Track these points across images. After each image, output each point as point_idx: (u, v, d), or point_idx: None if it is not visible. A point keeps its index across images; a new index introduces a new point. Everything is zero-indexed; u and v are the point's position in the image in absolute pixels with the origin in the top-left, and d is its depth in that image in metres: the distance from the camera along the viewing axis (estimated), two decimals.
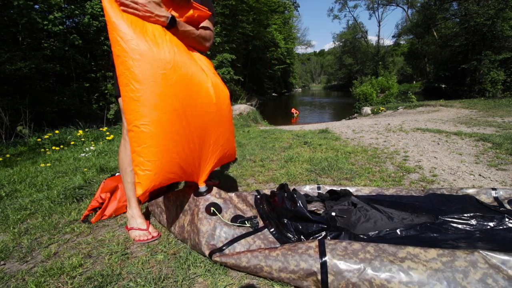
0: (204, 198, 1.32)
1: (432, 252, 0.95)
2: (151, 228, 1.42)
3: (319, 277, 0.96)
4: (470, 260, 0.91)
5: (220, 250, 1.17)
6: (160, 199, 1.52)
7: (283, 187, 1.49)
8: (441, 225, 1.29)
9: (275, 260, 1.04)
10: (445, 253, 0.94)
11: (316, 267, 0.97)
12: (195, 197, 1.35)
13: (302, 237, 1.24)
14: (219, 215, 1.28)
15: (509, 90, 15.64)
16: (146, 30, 1.08)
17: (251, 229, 1.28)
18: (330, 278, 0.95)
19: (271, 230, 1.28)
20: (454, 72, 20.55)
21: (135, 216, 1.43)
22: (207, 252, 1.17)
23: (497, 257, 0.89)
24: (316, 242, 1.04)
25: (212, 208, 1.29)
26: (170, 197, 1.47)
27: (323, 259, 0.98)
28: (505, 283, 0.85)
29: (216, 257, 1.15)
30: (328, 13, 58.15)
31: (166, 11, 1.18)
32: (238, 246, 1.18)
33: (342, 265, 0.96)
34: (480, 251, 0.92)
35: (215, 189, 1.39)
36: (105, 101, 10.66)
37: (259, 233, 1.26)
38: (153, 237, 1.38)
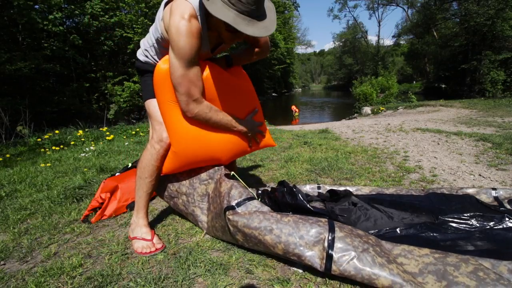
0: (225, 169, 1.42)
1: (426, 250, 1.00)
2: (155, 239, 1.33)
3: (326, 245, 1.00)
4: (462, 258, 0.95)
5: (233, 207, 1.20)
6: (171, 175, 1.47)
7: (282, 183, 1.49)
8: (440, 225, 1.29)
9: (286, 225, 1.08)
10: (438, 251, 0.99)
11: (325, 235, 1.02)
12: (216, 167, 1.42)
13: None
14: (239, 179, 1.37)
15: (509, 90, 15.66)
16: None
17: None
18: (336, 248, 0.99)
19: None
20: (454, 72, 20.56)
21: (140, 225, 1.36)
22: (223, 208, 1.21)
23: (487, 262, 0.93)
24: (326, 218, 1.10)
25: (232, 173, 1.39)
26: (184, 172, 1.45)
27: (331, 231, 1.03)
28: (496, 276, 0.88)
29: (229, 215, 1.17)
30: (328, 13, 57.95)
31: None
32: (250, 206, 1.21)
33: (348, 239, 1.01)
34: (472, 257, 0.96)
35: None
36: (105, 101, 10.67)
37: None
38: (156, 249, 1.29)
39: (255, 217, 1.13)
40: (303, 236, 1.03)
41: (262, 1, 1.08)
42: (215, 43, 1.29)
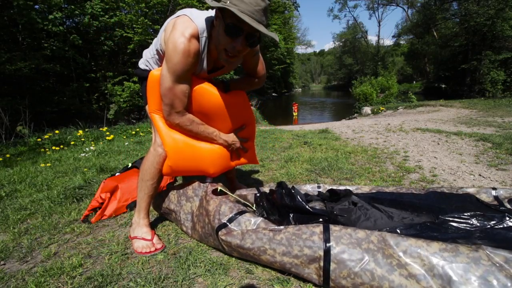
0: (211, 184, 1.40)
1: (434, 246, 0.94)
2: (155, 239, 1.34)
3: (322, 264, 0.97)
4: (473, 257, 0.89)
5: (225, 225, 1.18)
6: (164, 190, 1.52)
7: (280, 184, 1.49)
8: (441, 225, 1.29)
9: (279, 244, 1.05)
10: (448, 248, 0.93)
11: (319, 254, 0.98)
12: (201, 184, 1.41)
13: None
14: (227, 192, 1.35)
15: (509, 90, 15.66)
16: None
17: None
18: (333, 266, 0.96)
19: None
20: (454, 72, 20.56)
21: (141, 225, 1.36)
22: (215, 227, 1.19)
23: (501, 255, 0.88)
24: (321, 228, 1.04)
25: (219, 188, 1.36)
26: (175, 187, 1.49)
27: (327, 245, 0.98)
28: (507, 281, 0.84)
29: (222, 235, 1.16)
30: (328, 13, 57.82)
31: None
32: (243, 220, 1.19)
33: (346, 254, 0.96)
34: (484, 248, 0.91)
35: (220, 183, 1.45)
36: (105, 101, 10.65)
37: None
38: (156, 249, 1.29)
39: (247, 237, 1.10)
40: (297, 255, 1.01)
41: (266, 10, 1.11)
42: (213, 66, 1.31)
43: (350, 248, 0.97)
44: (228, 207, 1.24)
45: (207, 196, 1.31)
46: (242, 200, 1.36)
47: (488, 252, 0.90)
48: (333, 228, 1.03)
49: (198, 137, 1.36)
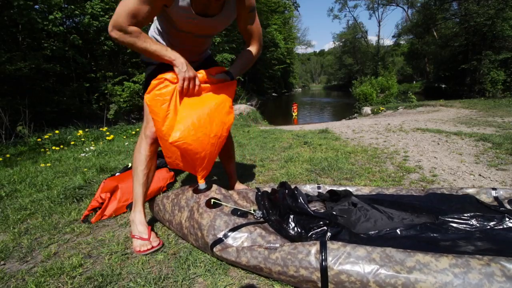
0: (204, 194, 1.36)
1: (444, 262, 0.89)
2: (152, 237, 1.33)
3: (319, 285, 0.95)
4: (486, 273, 0.85)
5: (220, 240, 1.16)
6: (160, 197, 1.52)
7: (283, 184, 1.49)
8: (441, 225, 1.29)
9: (274, 264, 1.03)
10: (458, 263, 0.88)
11: (316, 275, 0.95)
12: (194, 194, 1.38)
13: (302, 231, 1.22)
14: (222, 203, 1.32)
15: (509, 90, 15.67)
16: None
17: (252, 220, 1.28)
18: (331, 286, 0.94)
19: (271, 224, 1.29)
20: (454, 72, 20.54)
21: (136, 222, 1.35)
22: (209, 244, 1.17)
23: None
24: (318, 246, 0.99)
25: (212, 200, 1.32)
26: (170, 196, 1.48)
27: (324, 266, 0.95)
28: None
29: (217, 251, 1.14)
30: (328, 13, 57.96)
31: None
32: (239, 234, 1.16)
33: (344, 274, 0.93)
34: (499, 262, 0.87)
35: (214, 186, 1.42)
36: (105, 101, 10.65)
37: (259, 223, 1.27)
38: (152, 247, 1.29)
39: (242, 255, 1.09)
40: (294, 275, 0.99)
41: None
42: (204, 11, 1.24)
43: (349, 268, 0.93)
44: (224, 221, 1.20)
45: (200, 209, 1.28)
46: (240, 208, 1.33)
47: (503, 263, 0.86)
48: (331, 246, 0.99)
49: (146, 54, 1.23)
